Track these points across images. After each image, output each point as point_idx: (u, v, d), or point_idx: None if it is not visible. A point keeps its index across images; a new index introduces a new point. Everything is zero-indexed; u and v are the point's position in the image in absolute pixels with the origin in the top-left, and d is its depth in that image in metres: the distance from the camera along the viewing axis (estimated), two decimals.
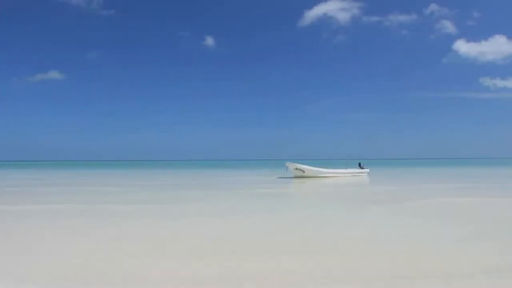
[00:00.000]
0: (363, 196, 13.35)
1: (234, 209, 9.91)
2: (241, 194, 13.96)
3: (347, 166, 25.97)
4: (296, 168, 22.88)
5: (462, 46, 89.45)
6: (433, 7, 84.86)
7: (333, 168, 26.24)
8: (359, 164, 26.71)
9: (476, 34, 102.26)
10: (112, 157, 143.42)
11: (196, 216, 8.39)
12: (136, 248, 5.26)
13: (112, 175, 32.02)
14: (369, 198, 12.32)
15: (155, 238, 5.94)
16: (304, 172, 22.83)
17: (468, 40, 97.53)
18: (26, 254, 4.94)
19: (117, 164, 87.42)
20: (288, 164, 23.04)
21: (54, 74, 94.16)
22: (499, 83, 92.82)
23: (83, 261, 4.54)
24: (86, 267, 4.30)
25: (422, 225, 7.15)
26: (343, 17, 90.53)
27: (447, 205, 10.09)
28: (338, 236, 6.10)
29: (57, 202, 11.27)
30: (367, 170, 26.45)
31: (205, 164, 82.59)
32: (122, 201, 11.41)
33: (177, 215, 8.67)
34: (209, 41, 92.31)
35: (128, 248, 5.24)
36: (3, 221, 7.95)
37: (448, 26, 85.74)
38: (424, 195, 12.61)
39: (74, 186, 18.84)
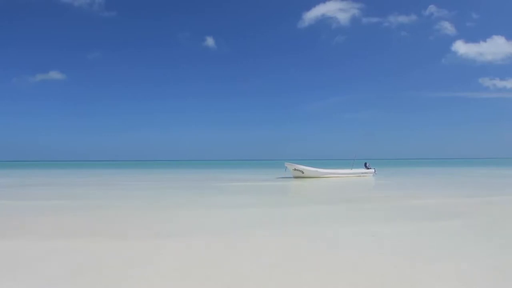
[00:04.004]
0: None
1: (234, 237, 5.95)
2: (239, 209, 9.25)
3: (353, 166, 24.48)
4: (295, 169, 22.15)
5: (461, 47, 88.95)
6: (432, 8, 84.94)
7: (335, 168, 24.93)
8: (365, 164, 24.97)
9: (475, 35, 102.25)
10: (112, 157, 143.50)
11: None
12: None
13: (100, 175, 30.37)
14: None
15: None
16: (303, 172, 22.01)
17: (467, 41, 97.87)
18: None
19: (116, 164, 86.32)
20: (287, 164, 22.44)
21: (54, 74, 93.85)
22: (499, 83, 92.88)
23: None
24: None
25: None
26: (342, 18, 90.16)
27: None
28: None
29: None
30: (373, 170, 24.62)
31: (205, 164, 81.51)
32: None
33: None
34: (209, 41, 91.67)
35: None
36: None
37: (447, 27, 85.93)
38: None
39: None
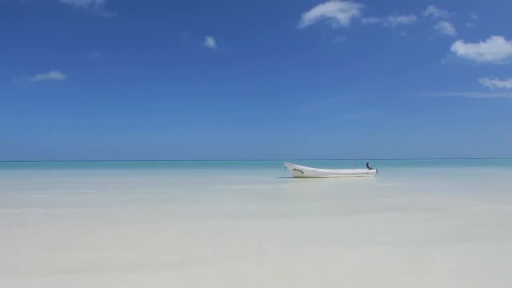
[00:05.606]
0: None
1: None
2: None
3: (355, 166, 24.03)
4: (295, 169, 22.00)
5: (461, 47, 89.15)
6: (432, 8, 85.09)
7: (335, 168, 24.66)
8: (367, 164, 24.44)
9: (475, 35, 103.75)
10: (112, 157, 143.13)
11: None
12: None
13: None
14: None
15: None
16: (303, 172, 21.83)
17: (467, 41, 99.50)
18: None
19: (116, 164, 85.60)
20: (286, 164, 22.35)
21: (55, 75, 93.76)
22: (498, 83, 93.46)
23: None
24: None
25: None
26: (342, 18, 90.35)
27: None
28: None
29: None
30: (374, 170, 24.04)
31: (204, 164, 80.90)
32: None
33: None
34: (209, 41, 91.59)
35: None
36: None
37: (447, 27, 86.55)
38: None
39: None
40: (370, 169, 24.03)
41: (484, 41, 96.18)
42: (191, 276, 3.83)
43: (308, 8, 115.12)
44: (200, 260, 4.50)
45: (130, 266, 4.20)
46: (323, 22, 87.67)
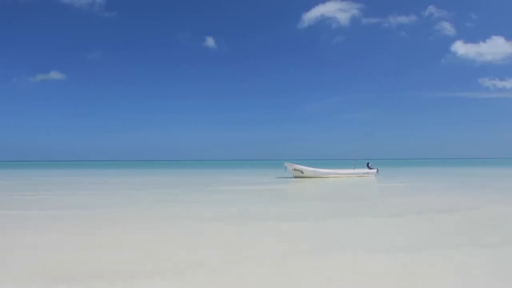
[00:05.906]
0: None
1: None
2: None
3: (355, 166, 24.00)
4: (295, 169, 22.03)
5: (461, 47, 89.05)
6: (432, 8, 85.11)
7: (335, 168, 24.60)
8: (367, 164, 24.37)
9: (475, 35, 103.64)
10: (112, 157, 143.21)
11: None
12: None
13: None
14: None
15: None
16: (303, 172, 21.85)
17: (467, 41, 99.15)
18: None
19: (116, 164, 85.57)
20: (286, 164, 22.37)
21: (55, 75, 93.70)
22: (498, 83, 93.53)
23: None
24: None
25: None
26: (342, 18, 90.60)
27: None
28: None
29: None
30: (375, 170, 23.99)
31: (204, 164, 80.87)
32: None
33: None
34: (209, 41, 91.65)
35: None
36: None
37: (447, 27, 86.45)
38: None
39: None
40: (370, 169, 23.98)
41: (484, 41, 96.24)
42: (191, 277, 3.82)
43: (308, 8, 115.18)
44: (200, 261, 4.47)
45: (130, 268, 4.17)
46: (323, 22, 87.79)
